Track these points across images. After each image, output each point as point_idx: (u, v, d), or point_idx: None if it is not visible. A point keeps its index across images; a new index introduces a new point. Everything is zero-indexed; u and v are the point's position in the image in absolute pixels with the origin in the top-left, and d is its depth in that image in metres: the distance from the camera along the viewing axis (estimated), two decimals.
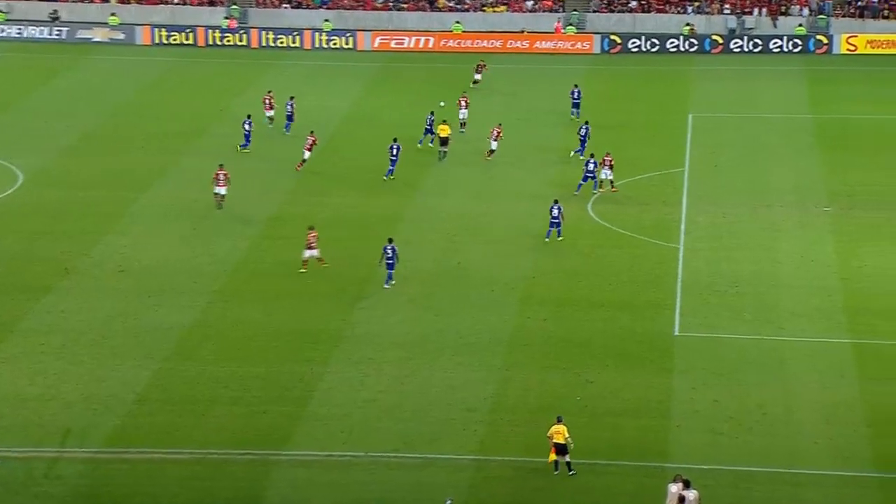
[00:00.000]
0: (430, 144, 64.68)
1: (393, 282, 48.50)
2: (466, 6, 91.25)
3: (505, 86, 78.44)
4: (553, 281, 49.45)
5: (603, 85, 75.29)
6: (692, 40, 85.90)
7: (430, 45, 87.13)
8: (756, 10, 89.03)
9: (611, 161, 57.89)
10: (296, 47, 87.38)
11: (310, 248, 49.78)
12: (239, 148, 64.22)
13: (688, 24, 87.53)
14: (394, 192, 59.35)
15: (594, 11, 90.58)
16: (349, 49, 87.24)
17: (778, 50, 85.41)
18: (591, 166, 57.55)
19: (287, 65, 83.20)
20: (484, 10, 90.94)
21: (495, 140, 62.69)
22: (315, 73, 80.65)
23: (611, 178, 57.83)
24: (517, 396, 40.85)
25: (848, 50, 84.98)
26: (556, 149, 65.07)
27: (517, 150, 64.77)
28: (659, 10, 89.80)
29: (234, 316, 46.48)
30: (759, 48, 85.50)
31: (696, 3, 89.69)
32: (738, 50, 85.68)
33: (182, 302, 47.29)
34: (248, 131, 64.35)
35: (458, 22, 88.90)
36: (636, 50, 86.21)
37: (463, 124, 66.89)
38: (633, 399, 40.53)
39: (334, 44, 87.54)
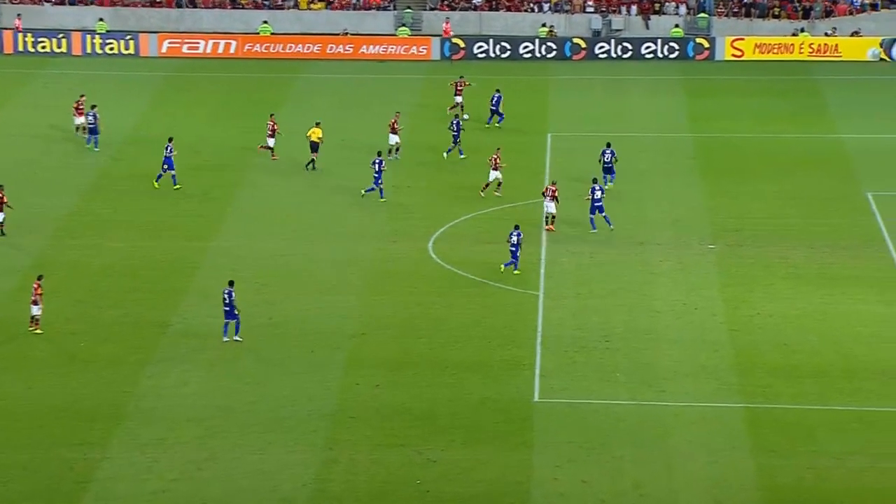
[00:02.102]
0: (459, 156, 66.86)
1: (238, 337, 48.46)
2: (276, 3, 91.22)
3: (328, 101, 78.54)
4: (387, 338, 49.46)
5: (443, 99, 75.90)
6: (550, 44, 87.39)
7: (233, 49, 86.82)
8: (625, 9, 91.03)
9: (555, 191, 58.43)
10: (62, 53, 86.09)
11: (36, 303, 48.86)
12: (156, 183, 62.97)
13: (545, 25, 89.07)
14: (189, 231, 58.78)
15: (432, 9, 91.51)
16: (130, 55, 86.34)
17: (651, 56, 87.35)
18: (598, 194, 58.35)
19: (51, 75, 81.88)
20: (298, 8, 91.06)
21: (496, 169, 62.46)
22: (88, 84, 79.44)
23: (553, 212, 58.24)
24: (344, 482, 40.65)
25: (733, 56, 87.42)
26: (394, 177, 65.38)
27: (348, 179, 64.82)
28: (510, 8, 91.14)
29: None
30: (630, 53, 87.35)
31: (554, 0, 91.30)
32: (604, 56, 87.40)
33: None
34: (169, 156, 62.87)
35: (265, 22, 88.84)
36: (483, 56, 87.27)
37: (396, 150, 66.92)
38: (486, 481, 40.66)
39: (111, 48, 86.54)
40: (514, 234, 54.12)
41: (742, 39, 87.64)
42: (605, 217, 58.52)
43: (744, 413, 44.35)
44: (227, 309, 48.44)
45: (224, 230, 59.15)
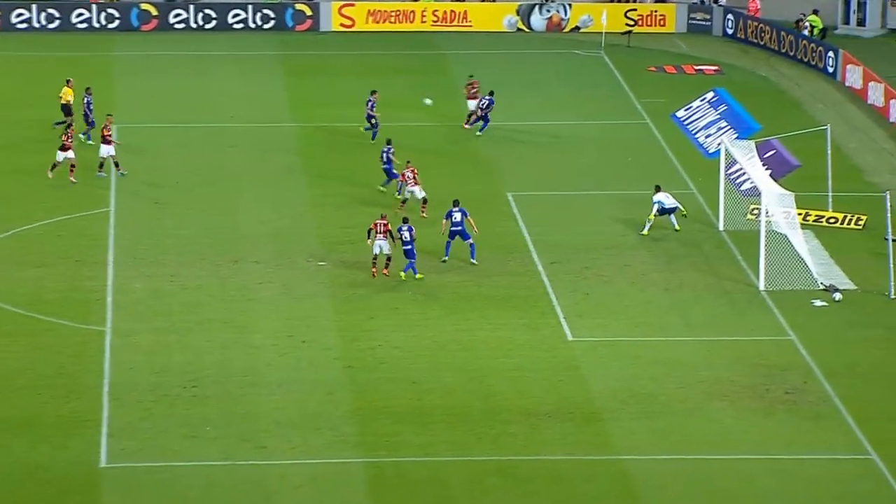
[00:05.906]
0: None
1: None
2: None
3: None
4: None
5: None
6: (111, 11, 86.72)
7: None
8: None
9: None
10: None
11: None
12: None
13: None
14: None
15: None
16: None
17: (241, 26, 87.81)
18: (456, 216, 57.67)
19: None
20: None
21: (416, 185, 61.95)
22: None
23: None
24: None
25: (342, 26, 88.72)
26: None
27: None
28: None
29: None
30: (214, 23, 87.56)
31: None
32: (181, 26, 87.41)
33: None
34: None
35: None
36: (25, 27, 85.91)
37: (115, 164, 65.55)
38: None
39: None
40: (405, 228, 55.52)
41: (352, 6, 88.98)
42: (471, 245, 58.30)
43: (365, 469, 44.85)
44: None
45: None
